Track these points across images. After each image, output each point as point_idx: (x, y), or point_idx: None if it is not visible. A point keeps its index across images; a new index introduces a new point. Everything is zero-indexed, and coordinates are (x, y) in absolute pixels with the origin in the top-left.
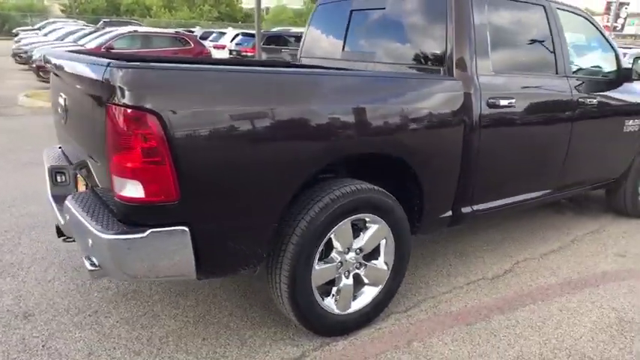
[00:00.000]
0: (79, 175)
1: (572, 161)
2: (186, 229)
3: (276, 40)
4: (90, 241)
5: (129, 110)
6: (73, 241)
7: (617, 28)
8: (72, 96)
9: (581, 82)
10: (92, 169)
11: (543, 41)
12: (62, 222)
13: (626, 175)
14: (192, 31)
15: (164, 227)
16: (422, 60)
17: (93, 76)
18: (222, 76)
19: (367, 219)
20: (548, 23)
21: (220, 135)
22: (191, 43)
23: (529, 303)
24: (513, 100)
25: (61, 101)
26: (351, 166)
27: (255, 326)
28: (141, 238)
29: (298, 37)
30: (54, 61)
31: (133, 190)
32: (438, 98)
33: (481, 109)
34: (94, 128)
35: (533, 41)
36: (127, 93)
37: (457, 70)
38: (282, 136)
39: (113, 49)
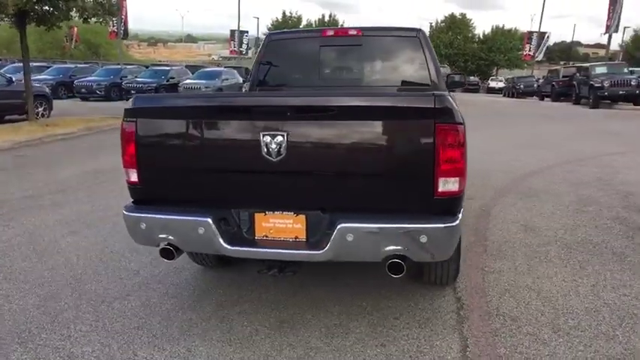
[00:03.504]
0: (258, 214)
1: None
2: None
3: None
4: (423, 237)
5: (451, 125)
6: (294, 272)
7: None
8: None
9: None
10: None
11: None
12: (322, 251)
13: None
14: None
15: (461, 212)
16: (411, 82)
17: (420, 105)
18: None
19: None
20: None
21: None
22: None
23: (498, 222)
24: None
25: (268, 140)
26: None
27: (405, 298)
28: (458, 223)
29: None
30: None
31: (452, 185)
32: None
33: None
34: (380, 150)
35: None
36: (453, 114)
37: (440, 87)
38: None
39: None
